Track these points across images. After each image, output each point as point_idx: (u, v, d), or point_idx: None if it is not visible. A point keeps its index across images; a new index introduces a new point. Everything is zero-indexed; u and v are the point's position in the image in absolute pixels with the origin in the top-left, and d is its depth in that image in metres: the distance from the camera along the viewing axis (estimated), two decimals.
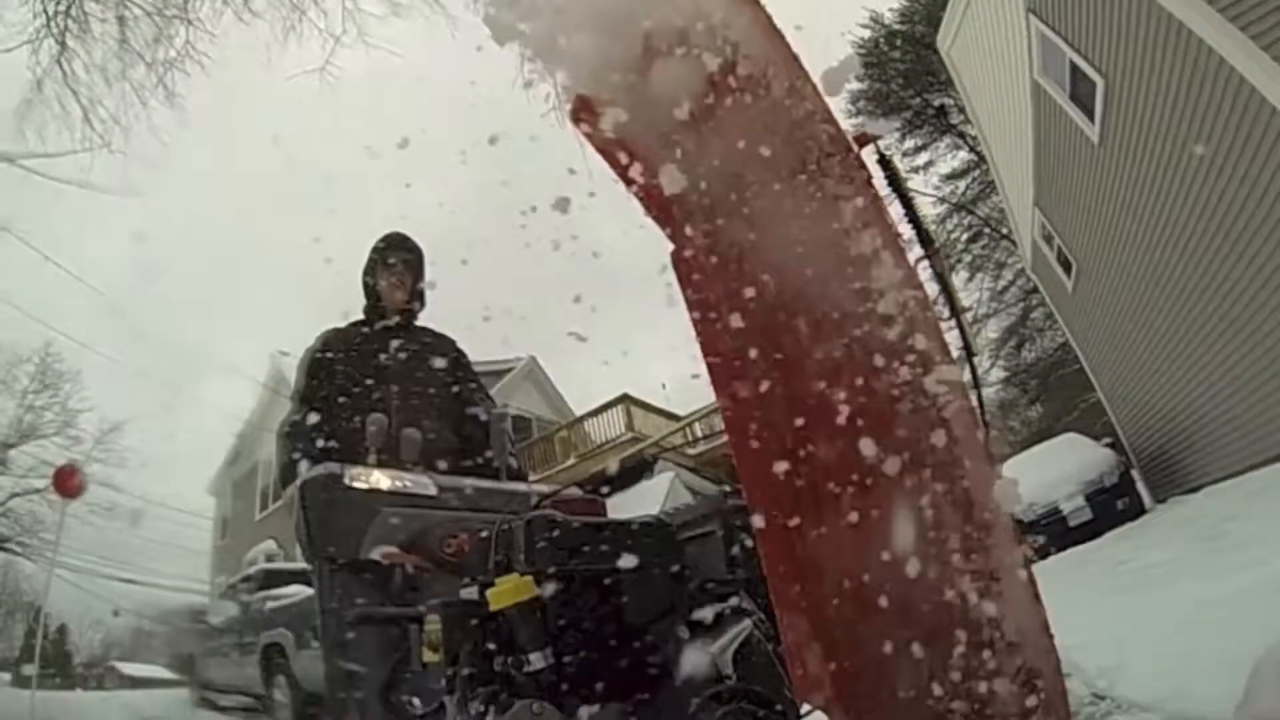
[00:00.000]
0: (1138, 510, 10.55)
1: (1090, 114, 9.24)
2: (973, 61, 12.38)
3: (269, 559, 17.04)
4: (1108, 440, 12.53)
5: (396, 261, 2.96)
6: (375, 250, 3.01)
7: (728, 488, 1.78)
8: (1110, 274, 10.73)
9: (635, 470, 15.28)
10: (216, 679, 10.81)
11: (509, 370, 22.70)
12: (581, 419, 20.50)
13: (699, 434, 18.90)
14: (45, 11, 7.07)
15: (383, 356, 2.76)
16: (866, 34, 23.87)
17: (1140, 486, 11.60)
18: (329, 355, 2.78)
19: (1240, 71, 6.44)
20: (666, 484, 13.61)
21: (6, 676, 19.65)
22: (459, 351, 3.05)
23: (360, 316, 2.97)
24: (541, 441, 20.33)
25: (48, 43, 7.21)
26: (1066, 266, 12.21)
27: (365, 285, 2.98)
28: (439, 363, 2.88)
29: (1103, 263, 10.90)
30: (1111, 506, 10.33)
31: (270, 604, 9.29)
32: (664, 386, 20.97)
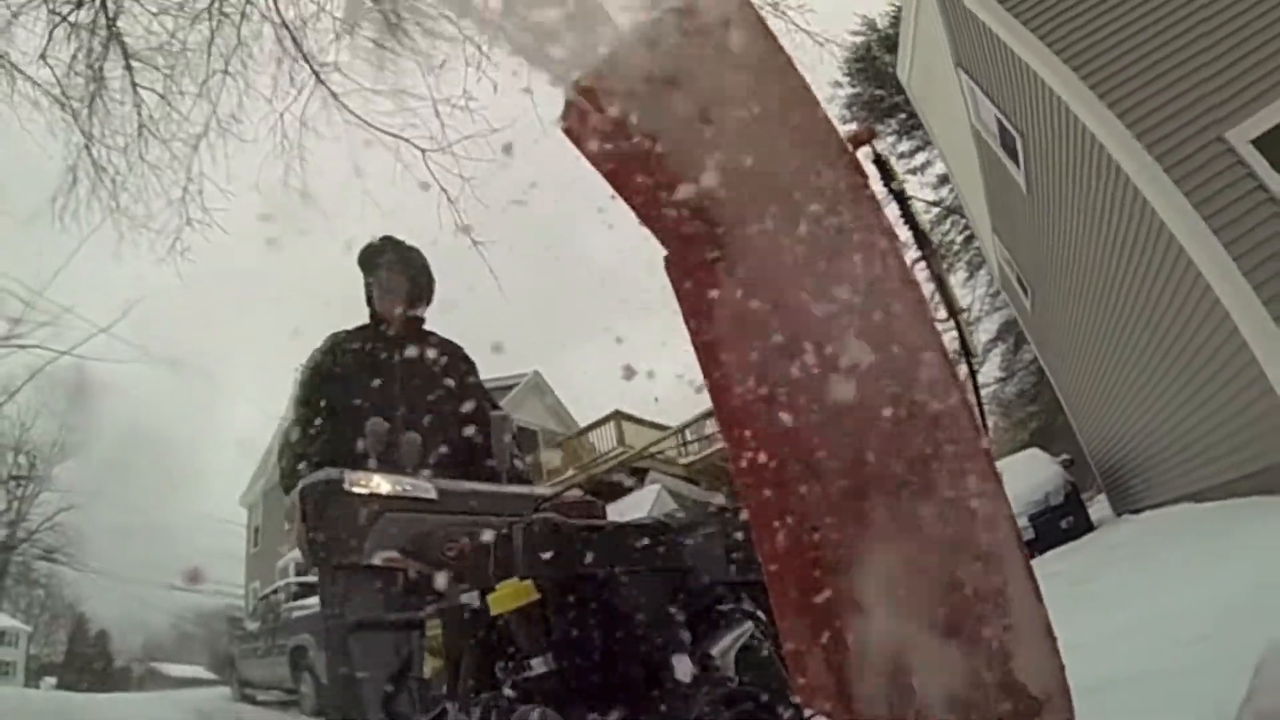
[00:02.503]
0: (1084, 528, 10.36)
1: (1017, 163, 9.09)
2: (926, 94, 12.28)
3: (298, 567, 17.28)
4: (1065, 457, 12.42)
5: (384, 268, 2.67)
6: (362, 258, 2.72)
7: (725, 491, 1.63)
8: (1060, 301, 10.58)
9: (627, 482, 15.21)
10: (254, 677, 11.77)
11: (514, 385, 22.58)
12: (574, 436, 20.42)
13: (689, 438, 18.73)
14: (70, 107, 7.36)
15: (385, 362, 2.53)
16: (859, 40, 22.85)
17: (1105, 500, 11.47)
18: (331, 361, 2.54)
19: (1109, 151, 6.42)
20: (653, 495, 13.47)
21: (53, 680, 19.36)
22: (465, 358, 2.78)
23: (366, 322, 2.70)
24: (545, 453, 20.22)
25: (75, 134, 7.51)
26: (1025, 289, 12.12)
27: (366, 296, 2.71)
28: (442, 368, 2.64)
29: (1052, 291, 10.76)
30: (1055, 526, 10.14)
31: (296, 613, 10.25)
32: (656, 400, 20.75)
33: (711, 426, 17.37)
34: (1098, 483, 12.40)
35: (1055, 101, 6.94)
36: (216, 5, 7.27)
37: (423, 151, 7.71)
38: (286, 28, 7.45)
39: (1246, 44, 6.21)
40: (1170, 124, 6.19)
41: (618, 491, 13.16)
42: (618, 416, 18.91)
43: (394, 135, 7.65)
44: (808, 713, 1.13)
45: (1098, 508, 12.10)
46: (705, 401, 1.20)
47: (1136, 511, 9.87)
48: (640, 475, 15.90)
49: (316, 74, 7.56)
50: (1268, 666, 1.39)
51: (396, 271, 2.68)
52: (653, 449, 17.42)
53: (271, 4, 7.35)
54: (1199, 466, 7.81)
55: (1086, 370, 10.71)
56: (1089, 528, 10.42)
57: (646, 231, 1.24)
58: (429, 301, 2.76)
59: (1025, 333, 14.41)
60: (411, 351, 2.59)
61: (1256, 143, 5.95)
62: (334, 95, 7.55)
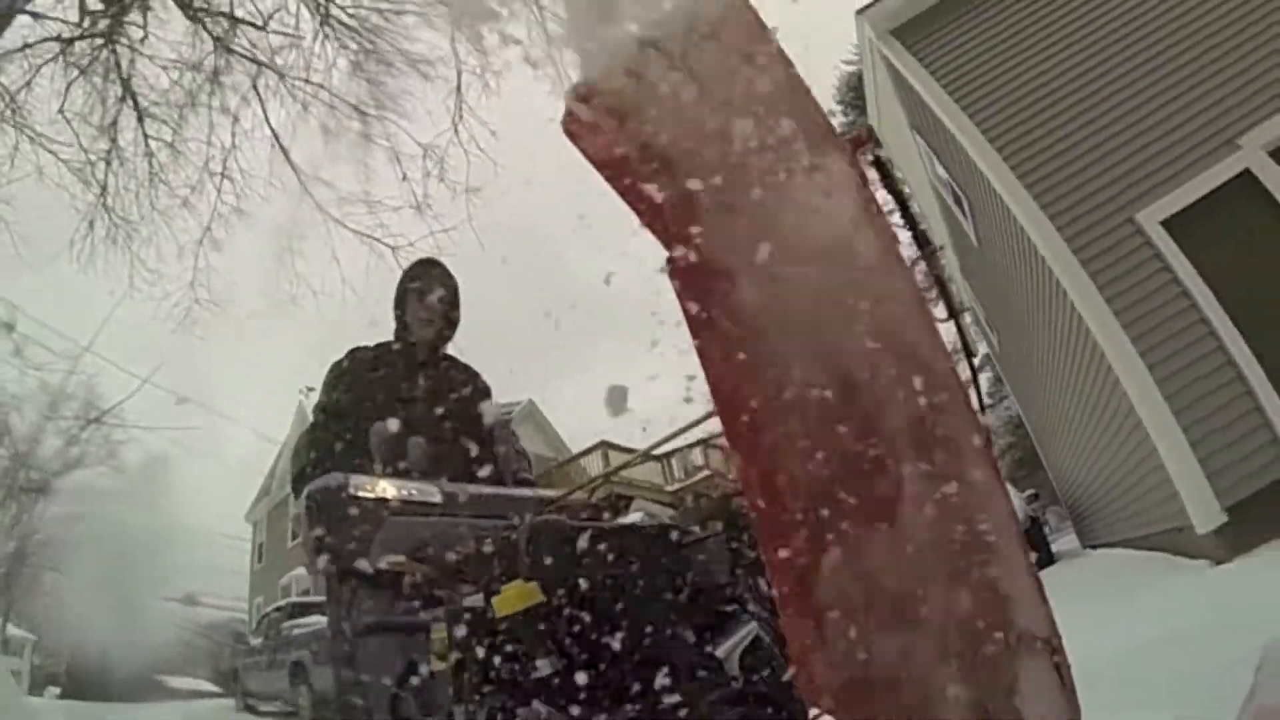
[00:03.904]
0: (1045, 562, 10.31)
1: (967, 219, 9.00)
2: (893, 142, 12.31)
3: (300, 584, 17.46)
4: (1031, 492, 12.46)
5: (432, 292, 2.56)
6: (406, 279, 2.62)
7: (732, 492, 1.57)
8: (1017, 345, 10.50)
9: (613, 509, 15.12)
10: (257, 689, 12.05)
11: (509, 413, 22.49)
12: (561, 464, 20.34)
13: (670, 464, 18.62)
14: (88, 160, 7.91)
15: (407, 380, 2.44)
16: (853, 68, 21.97)
17: (1074, 534, 11.49)
18: (353, 371, 2.46)
19: (1023, 225, 6.41)
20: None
21: (56, 690, 18.82)
22: (482, 384, 2.69)
23: (389, 338, 2.60)
24: (540, 478, 20.06)
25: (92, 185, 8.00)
26: (992, 329, 12.11)
27: (395, 313, 2.60)
28: (460, 391, 2.54)
29: (1011, 335, 10.70)
30: None
31: (296, 630, 10.70)
32: (644, 429, 20.52)
33: (698, 456, 17.30)
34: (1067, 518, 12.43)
35: (981, 173, 6.91)
36: (221, 57, 7.49)
37: (393, 249, 8.76)
38: (276, 138, 8.32)
39: (1161, 125, 6.15)
40: (1084, 204, 6.11)
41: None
42: (604, 446, 18.76)
43: (369, 236, 8.72)
44: (812, 712, 1.07)
45: (1071, 538, 12.11)
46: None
47: (1095, 547, 9.84)
48: (626, 502, 15.75)
49: (304, 184, 8.51)
50: (1269, 663, 1.33)
51: (442, 300, 2.59)
52: (626, 471, 17.28)
53: (261, 112, 7.72)
54: (1131, 515, 7.73)
55: (1047, 410, 10.64)
56: (1050, 561, 10.41)
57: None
58: (453, 334, 2.69)
59: (998, 368, 14.40)
60: (433, 373, 2.52)
61: (1166, 224, 5.86)
62: (320, 207, 8.54)
